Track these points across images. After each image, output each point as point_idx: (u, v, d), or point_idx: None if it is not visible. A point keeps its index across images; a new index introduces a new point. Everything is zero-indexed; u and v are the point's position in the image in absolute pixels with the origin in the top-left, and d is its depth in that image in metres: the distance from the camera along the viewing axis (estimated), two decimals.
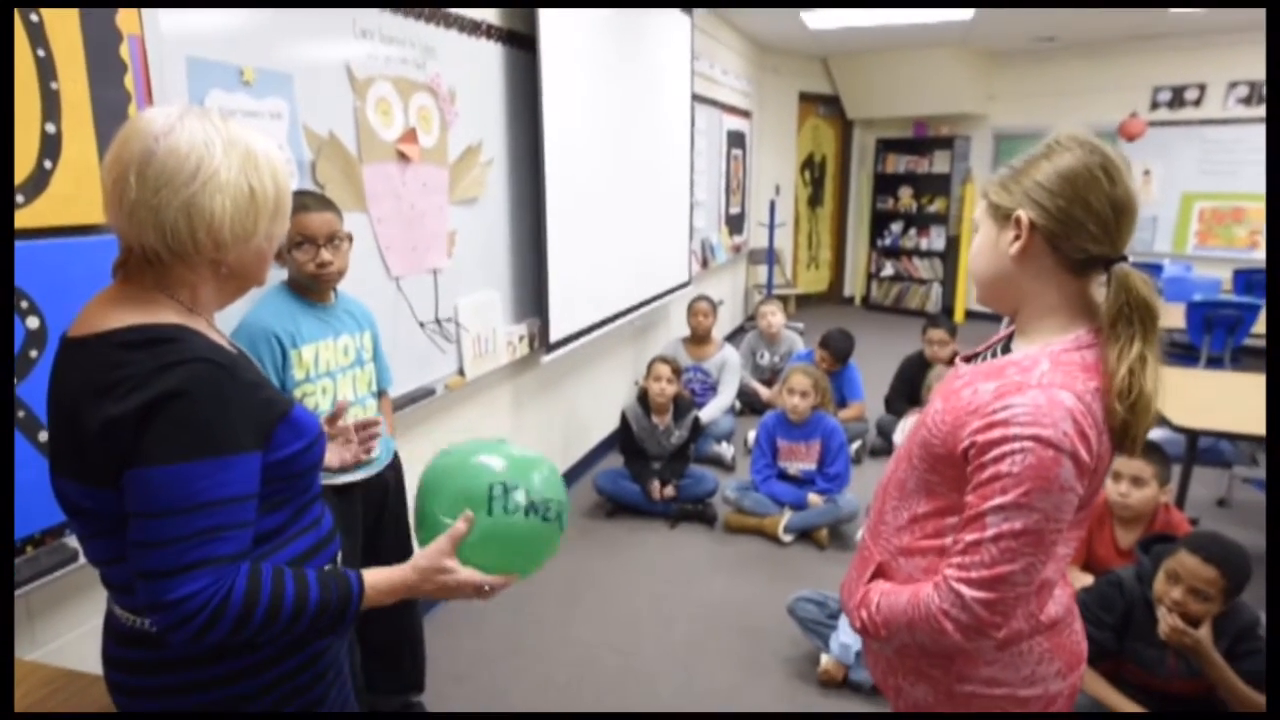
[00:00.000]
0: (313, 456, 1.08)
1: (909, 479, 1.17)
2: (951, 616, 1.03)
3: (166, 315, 0.96)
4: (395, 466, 2.13)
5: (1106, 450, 1.03)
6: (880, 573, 1.20)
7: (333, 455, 1.38)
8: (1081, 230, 1.02)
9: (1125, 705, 2.06)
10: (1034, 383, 1.01)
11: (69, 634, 1.64)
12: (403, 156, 2.52)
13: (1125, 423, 1.00)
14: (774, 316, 5.15)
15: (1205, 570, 1.91)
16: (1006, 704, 1.13)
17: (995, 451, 0.99)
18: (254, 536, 0.99)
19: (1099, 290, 1.06)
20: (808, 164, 9.06)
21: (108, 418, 0.88)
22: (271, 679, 1.04)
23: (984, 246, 1.14)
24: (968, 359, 1.18)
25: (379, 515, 2.07)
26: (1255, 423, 2.78)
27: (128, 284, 0.98)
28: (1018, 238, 1.06)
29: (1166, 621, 1.94)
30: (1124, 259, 1.03)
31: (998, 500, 0.99)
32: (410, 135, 2.55)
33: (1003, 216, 1.09)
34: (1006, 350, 1.14)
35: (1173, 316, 4.86)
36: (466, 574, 1.10)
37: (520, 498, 1.14)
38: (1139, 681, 2.10)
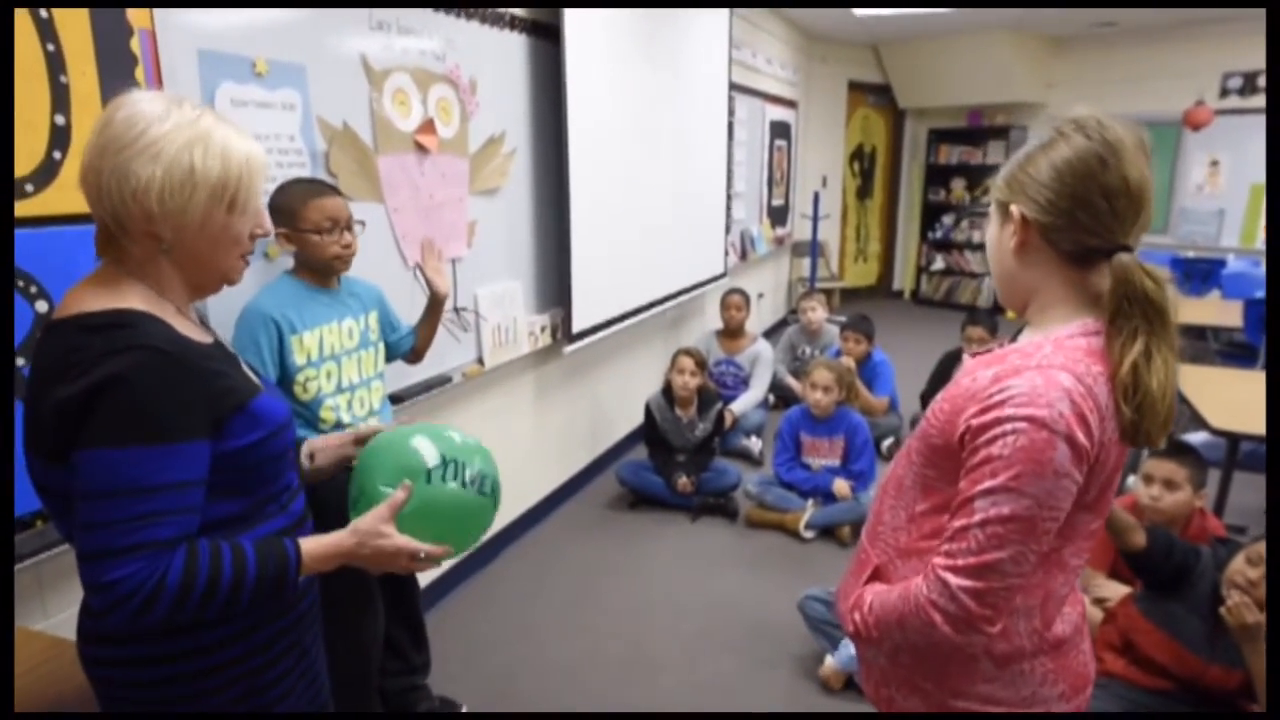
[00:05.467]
0: (274, 447, 1.08)
1: (906, 475, 1.13)
2: (940, 607, 0.97)
3: (133, 301, 0.98)
4: None
5: (1112, 441, 0.97)
6: (877, 575, 1.14)
7: (324, 457, 1.34)
8: (1073, 222, 0.98)
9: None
10: (1033, 365, 0.96)
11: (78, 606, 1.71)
12: (420, 147, 2.55)
13: (1133, 422, 0.95)
14: (814, 312, 5.07)
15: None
16: None
17: (988, 434, 0.95)
18: (214, 522, 1.01)
19: (1106, 280, 1.00)
20: (857, 155, 8.89)
21: (59, 399, 0.91)
22: (223, 660, 1.06)
23: (991, 243, 1.12)
24: (976, 356, 1.14)
25: None
26: None
27: (108, 268, 1.01)
28: (1015, 233, 1.04)
29: (1234, 598, 1.86)
30: (1125, 249, 0.98)
31: (987, 484, 0.94)
32: (428, 126, 2.58)
33: (1004, 211, 1.06)
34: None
35: (1231, 315, 4.63)
36: (403, 540, 1.10)
37: (458, 471, 1.19)
38: (1172, 660, 1.99)
